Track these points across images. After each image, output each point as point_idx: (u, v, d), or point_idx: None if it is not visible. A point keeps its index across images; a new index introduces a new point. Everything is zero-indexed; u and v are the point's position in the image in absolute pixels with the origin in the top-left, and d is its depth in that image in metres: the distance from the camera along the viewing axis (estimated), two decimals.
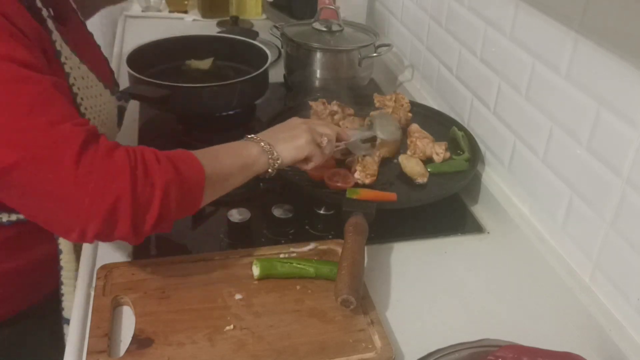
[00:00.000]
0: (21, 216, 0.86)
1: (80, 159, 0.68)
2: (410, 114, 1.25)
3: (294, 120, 0.95)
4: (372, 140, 1.12)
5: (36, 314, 0.97)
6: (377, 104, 1.26)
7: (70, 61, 0.85)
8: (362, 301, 0.83)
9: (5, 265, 0.90)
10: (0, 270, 0.89)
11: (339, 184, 1.03)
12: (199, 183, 0.77)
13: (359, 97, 1.32)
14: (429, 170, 1.09)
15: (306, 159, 0.92)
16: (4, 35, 0.70)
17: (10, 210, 0.86)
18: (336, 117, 1.21)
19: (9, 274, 0.91)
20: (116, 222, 0.70)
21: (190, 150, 0.80)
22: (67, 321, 0.95)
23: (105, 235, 0.71)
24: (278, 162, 0.87)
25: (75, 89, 0.86)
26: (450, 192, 1.07)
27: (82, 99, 0.87)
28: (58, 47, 0.82)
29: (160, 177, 0.72)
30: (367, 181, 1.05)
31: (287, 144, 0.89)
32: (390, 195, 1.02)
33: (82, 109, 0.88)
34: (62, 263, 0.94)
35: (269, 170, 0.87)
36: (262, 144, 0.87)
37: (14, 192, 0.70)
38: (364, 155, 1.09)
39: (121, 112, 1.06)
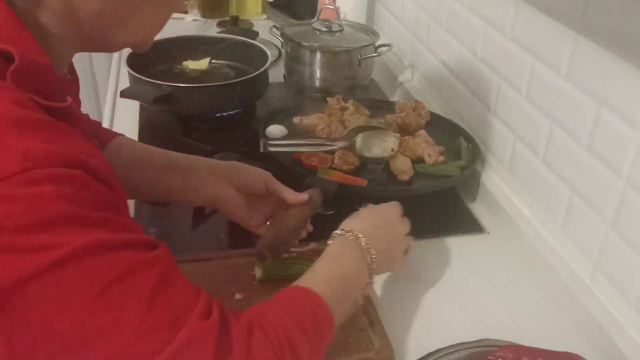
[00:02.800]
0: None
1: (220, 350, 0.54)
2: (422, 122, 1.24)
3: (402, 242, 0.84)
4: None
5: None
6: (397, 111, 1.27)
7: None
8: (362, 301, 0.83)
9: None
10: None
11: (314, 163, 1.06)
12: (329, 333, 0.66)
13: (359, 97, 1.32)
14: (420, 170, 1.09)
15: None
16: (107, 209, 0.52)
17: None
18: (346, 113, 1.23)
19: None
20: None
21: None
22: None
23: None
24: (372, 272, 0.76)
25: None
26: (428, 190, 1.07)
27: None
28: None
29: (302, 343, 0.60)
30: (344, 167, 1.07)
31: (386, 266, 0.80)
32: (360, 181, 1.04)
33: None
34: None
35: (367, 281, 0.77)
36: (374, 266, 0.75)
37: None
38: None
39: None
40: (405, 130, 1.21)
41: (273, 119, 1.24)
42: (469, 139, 1.19)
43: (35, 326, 0.48)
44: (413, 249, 0.86)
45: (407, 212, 1.02)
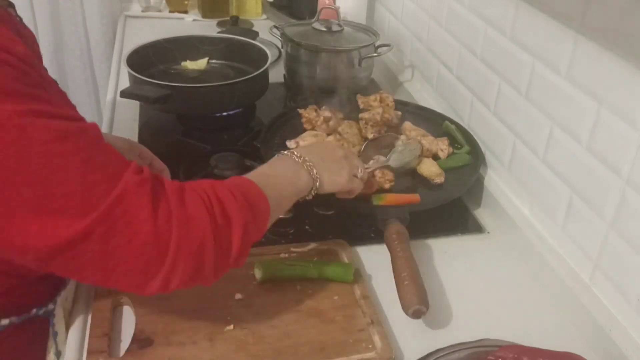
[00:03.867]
0: (13, 318, 0.74)
1: (157, 210, 0.62)
2: (399, 112, 1.24)
3: (336, 151, 0.91)
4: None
5: None
6: (361, 105, 1.24)
7: None
8: (362, 301, 0.83)
9: None
10: None
11: (363, 191, 0.98)
12: (266, 217, 0.74)
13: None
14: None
15: (349, 192, 0.91)
16: (31, 87, 0.60)
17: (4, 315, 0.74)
18: (331, 123, 1.18)
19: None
20: (201, 267, 0.65)
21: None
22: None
23: (188, 282, 0.65)
24: (317, 190, 0.84)
25: None
26: (466, 187, 1.08)
27: None
28: None
29: (238, 216, 0.68)
30: (386, 186, 1.04)
31: (332, 177, 0.87)
32: (414, 197, 1.02)
33: None
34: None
35: (309, 195, 0.85)
36: (314, 172, 0.83)
37: (77, 264, 0.61)
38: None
39: None
40: (388, 126, 1.19)
41: (275, 121, 1.22)
42: (451, 120, 1.21)
43: None
44: (365, 173, 0.93)
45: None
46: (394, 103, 1.24)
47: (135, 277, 0.63)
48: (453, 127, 1.19)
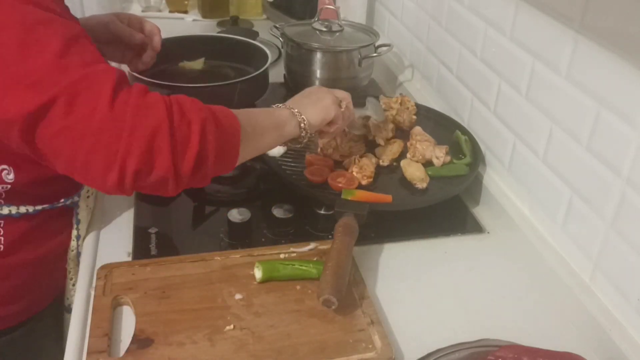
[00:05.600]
0: (30, 208, 0.88)
1: (117, 95, 0.68)
2: (414, 117, 1.25)
3: (313, 87, 0.98)
4: (366, 119, 1.16)
5: (46, 316, 0.98)
6: (383, 106, 1.26)
7: None
8: (362, 301, 0.83)
9: (24, 256, 0.90)
10: (19, 261, 0.89)
11: (341, 185, 1.04)
12: (235, 131, 0.77)
13: (359, 97, 1.32)
14: (428, 173, 1.08)
15: (331, 122, 0.95)
16: None
17: (17, 203, 0.87)
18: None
19: (27, 266, 0.91)
20: (155, 155, 0.69)
21: None
22: (69, 309, 0.96)
23: (145, 172, 0.69)
24: (307, 124, 0.90)
25: None
26: (448, 196, 1.07)
27: None
28: None
29: (197, 115, 0.72)
30: (363, 182, 1.06)
31: (313, 107, 0.92)
32: (385, 197, 1.02)
33: None
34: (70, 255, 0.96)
35: (302, 134, 0.90)
36: (291, 109, 0.89)
37: (49, 135, 0.68)
38: (361, 156, 1.09)
39: None
40: (399, 127, 1.21)
41: None
42: (464, 131, 1.20)
43: None
44: (349, 102, 0.99)
45: (406, 213, 1.03)
46: (414, 107, 1.25)
47: (96, 157, 0.68)
48: (464, 138, 1.17)
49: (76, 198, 0.95)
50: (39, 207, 0.89)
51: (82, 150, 0.68)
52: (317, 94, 0.95)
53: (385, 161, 1.10)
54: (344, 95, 1.00)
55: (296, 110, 0.90)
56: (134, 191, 0.73)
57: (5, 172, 0.83)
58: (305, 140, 0.92)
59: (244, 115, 0.81)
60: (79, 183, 0.94)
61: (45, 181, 0.88)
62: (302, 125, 0.89)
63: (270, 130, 0.86)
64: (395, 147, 1.12)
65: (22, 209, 0.87)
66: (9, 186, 0.84)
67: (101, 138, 0.67)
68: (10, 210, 0.86)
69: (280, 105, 0.91)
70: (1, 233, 0.87)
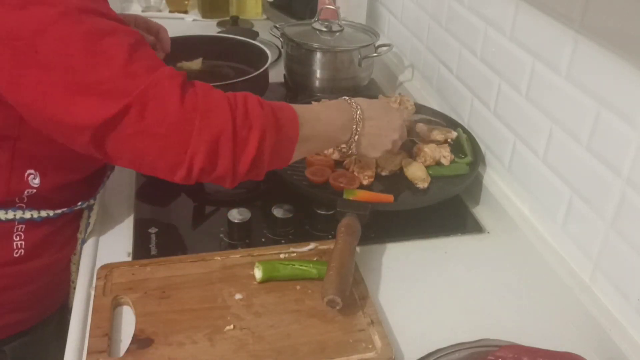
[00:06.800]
0: (50, 212, 0.89)
1: (184, 97, 0.72)
2: (416, 117, 1.25)
3: (393, 133, 0.96)
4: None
5: (53, 321, 0.98)
6: None
7: None
8: (362, 301, 0.83)
9: (42, 261, 0.90)
10: (38, 266, 0.90)
11: (342, 185, 1.03)
12: (293, 137, 0.80)
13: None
14: (430, 173, 1.09)
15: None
16: None
17: (39, 207, 0.87)
18: None
19: (44, 271, 0.91)
20: (219, 156, 0.73)
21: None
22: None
23: (209, 170, 0.74)
24: (351, 151, 0.92)
25: None
26: (449, 195, 1.07)
27: None
28: None
29: (259, 120, 0.75)
30: (365, 182, 1.06)
31: (368, 148, 0.93)
32: (387, 197, 1.02)
33: None
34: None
35: (344, 151, 0.92)
36: (356, 137, 0.90)
37: (121, 140, 0.71)
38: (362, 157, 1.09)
39: None
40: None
41: None
42: (464, 129, 1.21)
43: (52, 58, 0.68)
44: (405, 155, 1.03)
45: (407, 213, 1.03)
46: (414, 107, 1.25)
47: (166, 156, 0.72)
48: (465, 136, 1.18)
49: (92, 201, 0.96)
50: (58, 211, 0.90)
51: (152, 151, 0.72)
52: (390, 134, 0.95)
53: (385, 172, 1.10)
54: (404, 136, 1.00)
55: (357, 136, 0.90)
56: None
57: (31, 176, 0.84)
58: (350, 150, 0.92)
59: (308, 120, 0.83)
60: (96, 187, 0.97)
61: (67, 186, 0.90)
62: (345, 149, 0.91)
63: (324, 142, 0.89)
64: (398, 160, 1.11)
65: (43, 213, 0.88)
66: (34, 191, 0.85)
67: (172, 139, 0.71)
68: (32, 215, 0.87)
69: (360, 117, 0.90)
70: (22, 237, 0.87)
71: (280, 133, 0.78)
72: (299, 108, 0.82)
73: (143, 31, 1.14)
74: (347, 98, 0.92)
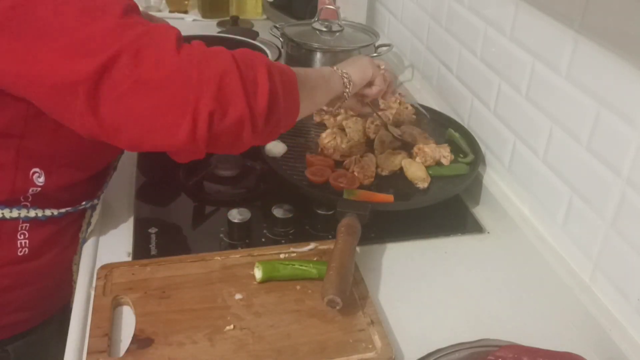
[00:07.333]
0: (55, 211, 0.88)
1: (180, 45, 0.68)
2: (414, 117, 1.25)
3: (362, 57, 1.03)
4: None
5: (54, 320, 0.98)
6: (382, 105, 1.26)
7: None
8: (362, 301, 0.83)
9: (46, 260, 0.90)
10: (41, 266, 0.90)
11: (342, 185, 1.03)
12: (293, 77, 0.78)
13: None
14: (430, 173, 1.09)
15: (370, 82, 1.00)
16: None
17: (43, 206, 0.87)
18: (339, 118, 1.22)
19: (48, 271, 0.91)
20: (228, 94, 0.68)
21: None
22: None
23: (220, 113, 0.67)
24: (348, 79, 0.93)
25: None
26: (449, 195, 1.07)
27: None
28: None
29: (260, 60, 0.73)
30: (365, 182, 1.06)
31: (352, 65, 0.96)
32: (387, 197, 1.03)
33: None
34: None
35: (345, 90, 0.93)
36: (341, 71, 0.93)
37: (116, 96, 0.66)
38: (362, 156, 1.09)
39: None
40: (399, 127, 1.21)
41: None
42: (457, 127, 1.21)
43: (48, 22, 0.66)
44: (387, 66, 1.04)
45: (407, 213, 1.03)
46: (412, 109, 1.26)
47: (168, 108, 0.66)
48: (457, 135, 1.18)
49: (96, 201, 0.96)
50: (62, 210, 0.89)
51: (151, 105, 0.66)
52: (354, 58, 1.01)
53: (385, 172, 1.11)
54: (381, 62, 1.06)
55: (336, 67, 0.93)
56: (207, 148, 0.70)
57: (36, 175, 0.83)
58: (348, 99, 0.95)
59: (294, 68, 0.81)
60: (100, 187, 0.96)
61: (72, 185, 0.89)
62: (344, 80, 0.92)
63: (319, 82, 0.88)
64: (398, 160, 1.11)
65: (48, 212, 0.87)
66: (39, 189, 0.84)
67: (170, 87, 0.66)
68: (36, 214, 0.86)
69: (338, 67, 0.95)
70: (26, 236, 0.87)
71: (282, 72, 0.75)
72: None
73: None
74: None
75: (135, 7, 0.73)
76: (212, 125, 0.67)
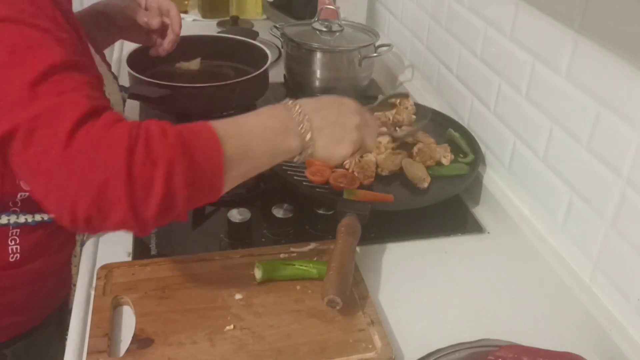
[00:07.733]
0: (45, 216, 0.87)
1: (76, 132, 0.62)
2: (414, 116, 1.25)
3: (350, 118, 0.80)
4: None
5: (52, 321, 0.98)
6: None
7: (91, 49, 0.87)
8: (362, 301, 0.83)
9: (38, 265, 0.90)
10: (33, 270, 0.89)
11: (342, 185, 1.03)
12: (215, 167, 0.67)
13: (361, 97, 1.32)
14: (430, 173, 1.09)
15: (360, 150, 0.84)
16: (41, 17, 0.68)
17: (33, 211, 0.86)
18: None
19: (40, 274, 0.91)
20: (109, 204, 0.62)
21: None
22: None
23: (99, 220, 0.63)
24: (309, 156, 0.77)
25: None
26: (449, 195, 1.07)
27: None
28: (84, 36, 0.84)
29: (164, 154, 0.63)
30: (365, 182, 1.06)
31: (330, 145, 0.78)
32: (387, 197, 1.03)
33: None
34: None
35: (295, 160, 0.77)
36: (307, 136, 0.75)
37: (15, 163, 0.66)
38: (362, 156, 1.09)
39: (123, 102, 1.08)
40: (400, 128, 1.22)
41: None
42: (457, 127, 1.21)
43: None
44: (370, 149, 0.86)
45: (407, 213, 1.03)
46: (414, 107, 1.26)
47: (51, 195, 0.64)
48: (457, 134, 1.18)
49: None
50: (52, 215, 0.88)
51: (39, 187, 0.65)
52: (346, 132, 0.79)
53: (385, 172, 1.11)
54: (371, 145, 0.84)
55: (310, 139, 0.75)
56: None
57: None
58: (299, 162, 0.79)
59: (234, 135, 0.70)
60: None
61: None
62: (302, 156, 0.77)
63: (268, 158, 0.74)
64: (398, 160, 1.11)
65: (37, 217, 0.87)
66: (27, 194, 0.84)
67: (52, 180, 0.63)
68: (26, 219, 0.86)
69: (304, 116, 0.75)
70: (17, 242, 0.86)
71: (194, 163, 0.65)
72: (220, 124, 0.70)
73: (154, 11, 1.11)
74: (288, 102, 0.78)
75: (72, 61, 0.67)
76: (90, 226, 0.64)
